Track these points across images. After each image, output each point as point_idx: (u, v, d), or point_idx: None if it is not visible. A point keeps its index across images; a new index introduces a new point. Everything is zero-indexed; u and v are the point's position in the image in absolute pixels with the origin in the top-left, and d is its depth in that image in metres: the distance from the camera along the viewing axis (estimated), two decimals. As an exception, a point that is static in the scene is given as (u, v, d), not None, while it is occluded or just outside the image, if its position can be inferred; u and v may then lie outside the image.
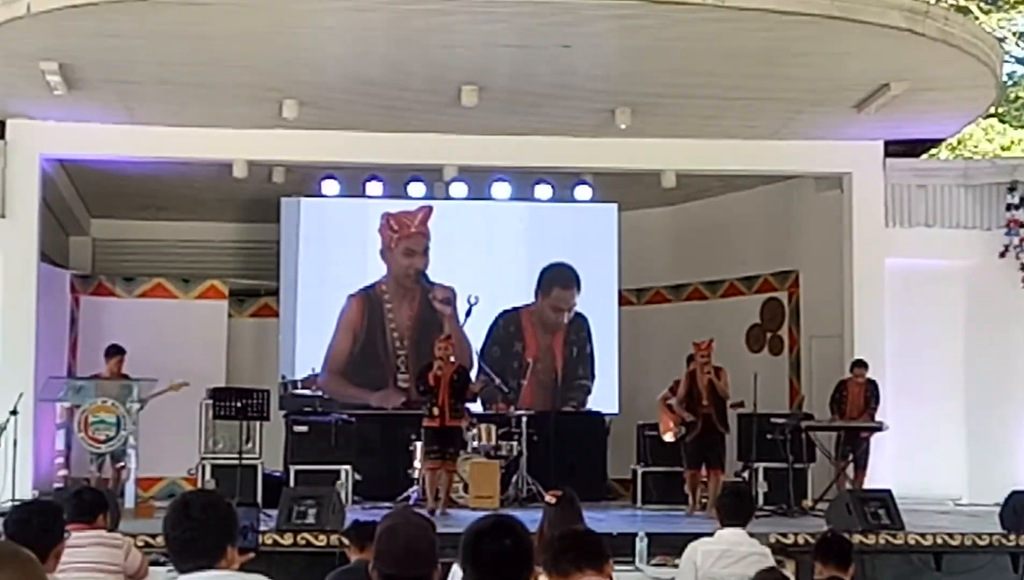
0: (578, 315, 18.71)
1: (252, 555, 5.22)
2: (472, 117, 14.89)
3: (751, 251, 18.87)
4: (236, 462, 14.88)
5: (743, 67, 13.62)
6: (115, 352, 15.50)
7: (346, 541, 8.56)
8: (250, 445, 15.57)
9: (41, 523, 5.78)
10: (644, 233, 19.57)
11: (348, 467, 15.94)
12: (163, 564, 8.31)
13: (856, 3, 12.36)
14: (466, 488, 15.87)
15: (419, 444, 15.53)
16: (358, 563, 7.84)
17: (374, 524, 8.29)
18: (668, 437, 15.70)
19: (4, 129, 15.61)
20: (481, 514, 4.38)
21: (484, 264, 18.53)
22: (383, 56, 13.31)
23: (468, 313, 17.90)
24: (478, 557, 3.97)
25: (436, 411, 14.79)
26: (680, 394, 15.40)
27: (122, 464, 14.74)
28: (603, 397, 18.56)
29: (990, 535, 12.73)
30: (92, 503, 7.89)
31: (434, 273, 18.41)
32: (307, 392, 17.77)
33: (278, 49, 13.12)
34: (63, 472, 14.76)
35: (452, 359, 15.22)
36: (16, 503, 8.42)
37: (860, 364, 15.65)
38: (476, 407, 16.84)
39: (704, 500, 15.02)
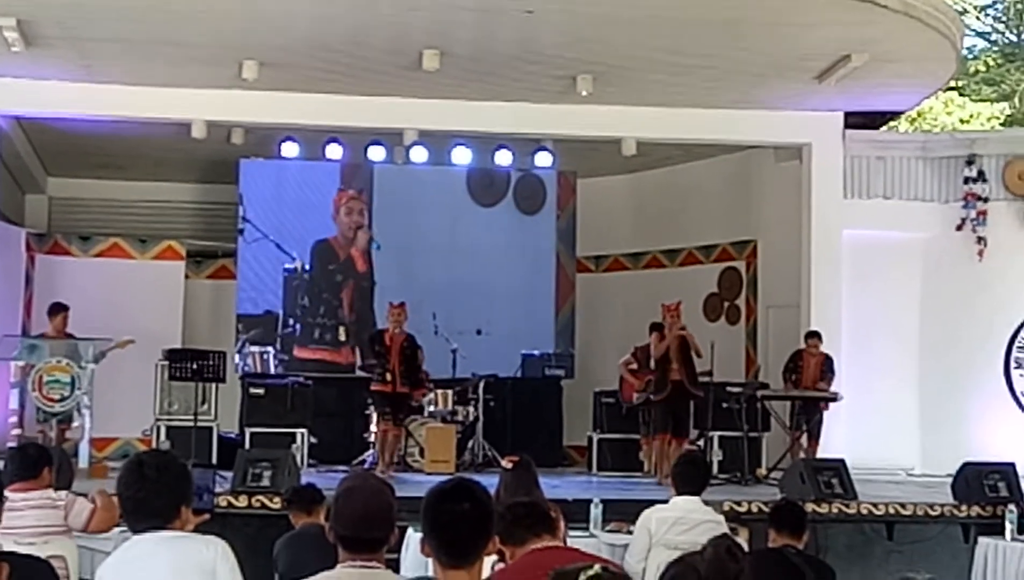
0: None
1: (207, 516, 5.20)
2: (433, 82, 14.84)
3: (710, 220, 18.90)
4: (191, 423, 14.81)
5: (705, 36, 13.62)
6: (59, 309, 15.38)
7: (286, 506, 8.59)
8: (205, 407, 15.51)
9: None
10: (603, 201, 19.58)
11: (304, 430, 15.94)
12: (117, 525, 8.28)
13: (819, -26, 12.41)
14: (422, 453, 15.88)
15: (373, 407, 15.54)
16: (306, 527, 7.84)
17: (315, 488, 8.34)
18: (635, 398, 15.64)
19: (-40, 85, 15.48)
20: (437, 479, 4.38)
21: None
22: (344, 18, 13.23)
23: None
24: (437, 520, 3.98)
25: (388, 377, 14.80)
26: (656, 354, 15.25)
27: (76, 423, 14.64)
28: (559, 363, 18.52)
29: (942, 506, 12.82)
30: (36, 458, 7.83)
31: (389, 236, 18.35)
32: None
33: (238, 9, 13.04)
34: (17, 431, 14.65)
35: (404, 326, 15.22)
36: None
37: (814, 335, 15.69)
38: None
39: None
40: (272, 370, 17.38)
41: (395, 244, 18.33)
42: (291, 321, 17.87)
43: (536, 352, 18.40)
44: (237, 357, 17.35)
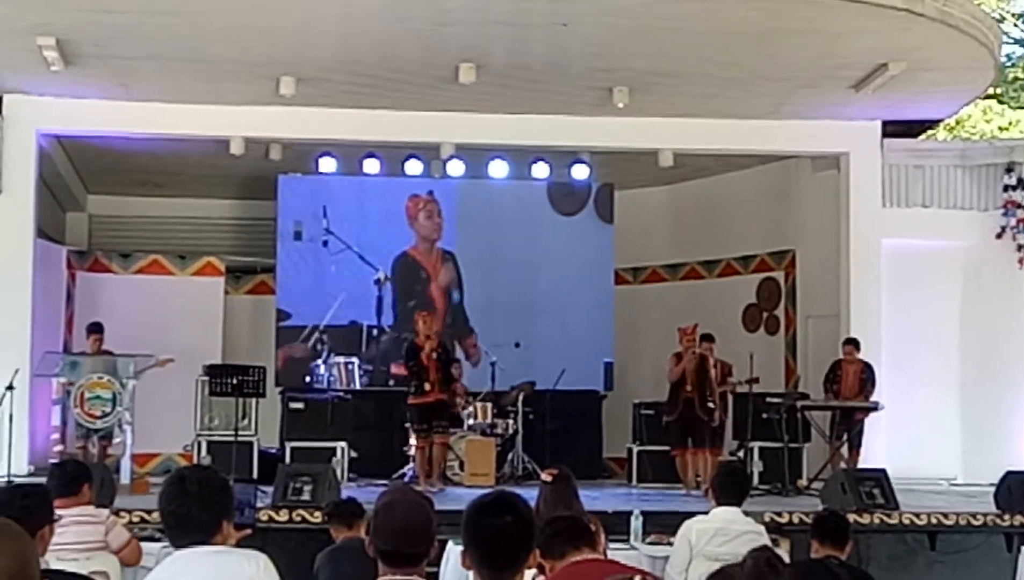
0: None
1: (249, 531, 5.20)
2: (469, 95, 14.87)
3: (748, 231, 18.87)
4: (232, 439, 14.87)
5: (741, 46, 13.61)
6: (93, 330, 15.44)
7: (327, 520, 8.61)
8: (246, 422, 15.55)
9: (24, 506, 5.73)
10: (641, 212, 19.57)
11: (344, 444, 15.95)
12: (159, 540, 8.33)
13: (854, -18, 12.37)
14: (462, 466, 15.89)
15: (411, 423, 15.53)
16: (347, 541, 7.85)
17: (355, 502, 8.35)
18: None
19: (1, 105, 15.59)
20: (478, 492, 4.38)
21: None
22: (379, 33, 13.28)
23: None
24: (478, 533, 3.97)
25: (428, 386, 14.78)
26: (673, 375, 15.29)
27: (118, 439, 14.69)
28: (599, 375, 18.50)
29: (984, 515, 12.74)
30: (76, 474, 7.86)
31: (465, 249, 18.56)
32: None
33: (275, 26, 13.10)
34: (59, 448, 14.75)
35: (435, 332, 15.23)
36: (3, 485, 8.41)
37: (851, 342, 15.64)
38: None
39: (699, 479, 15.04)
40: (358, 382, 17.43)
41: (473, 257, 18.51)
42: (375, 332, 17.97)
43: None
44: (322, 367, 17.40)
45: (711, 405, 15.14)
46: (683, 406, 15.10)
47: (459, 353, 17.74)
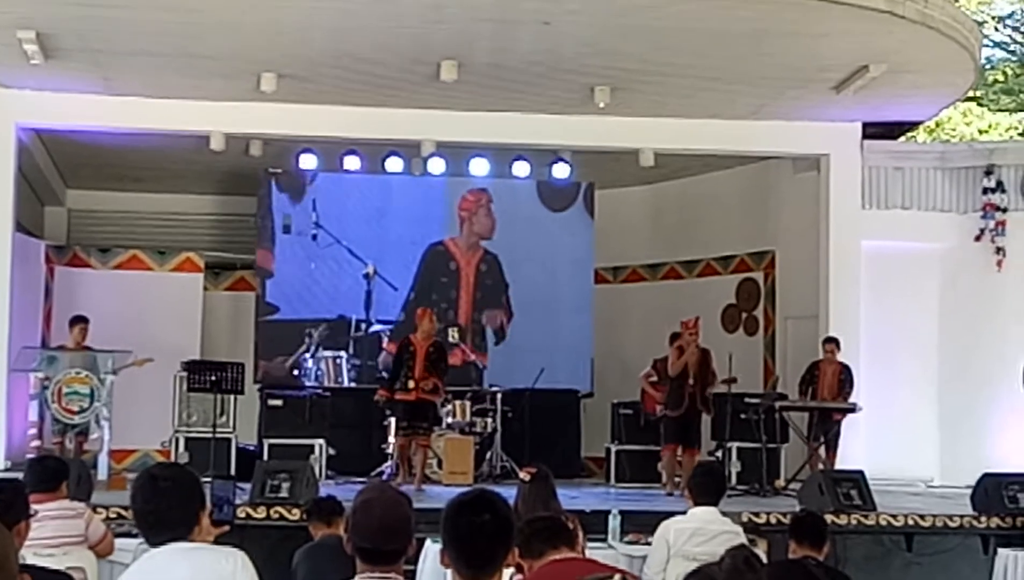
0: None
1: (227, 528, 5.19)
2: (451, 93, 14.86)
3: (728, 231, 18.89)
4: (210, 435, 14.84)
5: (723, 47, 13.62)
6: (78, 321, 15.40)
7: (306, 518, 8.61)
8: (224, 418, 15.52)
9: (1, 501, 5.72)
10: (621, 212, 19.58)
11: (322, 441, 15.91)
12: (136, 536, 8.31)
13: (836, -16, 12.39)
14: (440, 464, 15.87)
15: (392, 419, 15.50)
16: (326, 539, 7.85)
17: (335, 499, 8.36)
18: (658, 411, 15.64)
19: (-20, 98, 15.54)
20: (455, 490, 4.37)
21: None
22: (363, 30, 13.24)
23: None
24: (457, 531, 3.98)
25: (411, 385, 14.74)
26: (675, 369, 15.23)
27: (95, 435, 14.65)
28: (577, 375, 18.50)
29: (961, 517, 12.77)
30: (55, 471, 7.87)
31: (402, 248, 18.48)
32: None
33: (257, 21, 13.05)
34: (36, 443, 14.66)
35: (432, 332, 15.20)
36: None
37: (832, 341, 15.66)
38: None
39: (678, 478, 15.04)
40: (346, 376, 17.42)
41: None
42: (363, 326, 17.97)
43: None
44: (310, 362, 17.38)
45: (709, 398, 15.19)
46: (688, 401, 15.05)
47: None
